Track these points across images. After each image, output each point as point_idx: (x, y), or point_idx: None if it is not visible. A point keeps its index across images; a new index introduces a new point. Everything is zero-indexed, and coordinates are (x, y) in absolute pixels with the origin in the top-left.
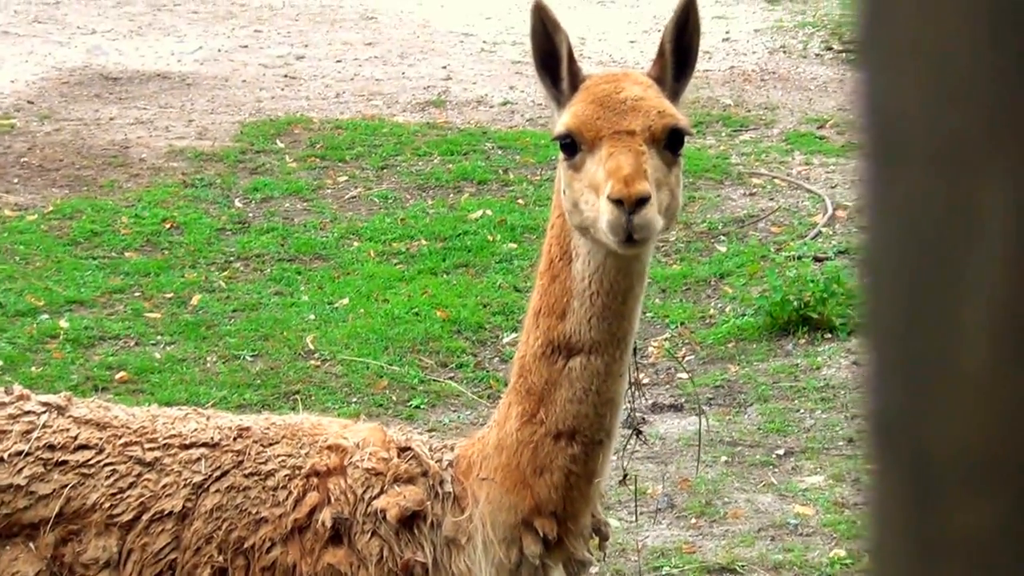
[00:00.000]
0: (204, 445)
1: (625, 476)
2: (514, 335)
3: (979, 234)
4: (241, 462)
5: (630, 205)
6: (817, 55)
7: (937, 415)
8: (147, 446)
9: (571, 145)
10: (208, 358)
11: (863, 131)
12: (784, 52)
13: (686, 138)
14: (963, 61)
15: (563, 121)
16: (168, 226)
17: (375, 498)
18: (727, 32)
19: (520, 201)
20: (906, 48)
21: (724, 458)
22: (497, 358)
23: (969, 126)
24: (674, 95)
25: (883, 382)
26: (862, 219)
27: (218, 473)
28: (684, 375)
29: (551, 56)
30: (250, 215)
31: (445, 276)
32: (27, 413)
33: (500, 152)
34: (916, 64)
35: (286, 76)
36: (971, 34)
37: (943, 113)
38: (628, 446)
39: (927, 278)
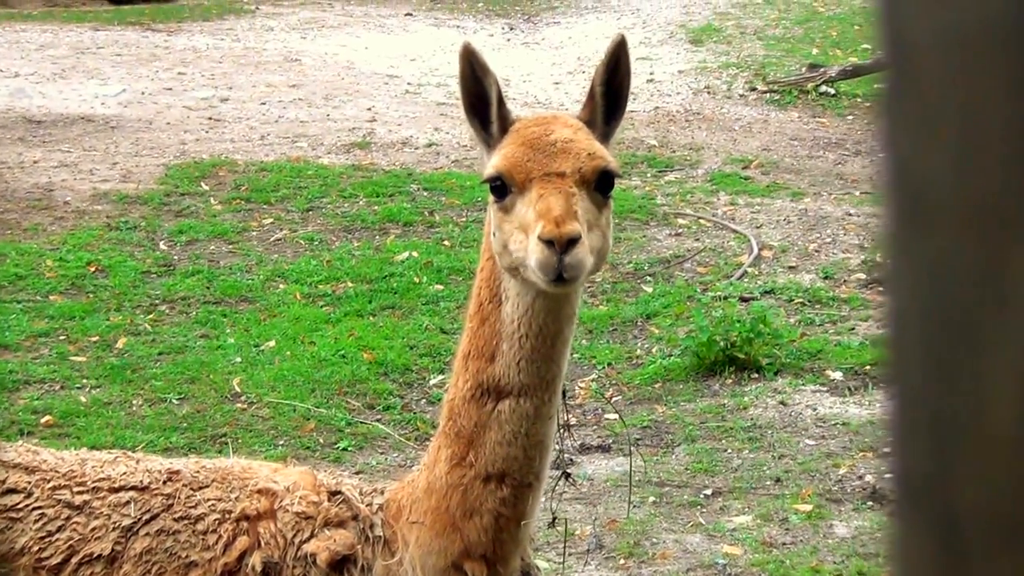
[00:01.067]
0: (134, 488)
1: (555, 519)
2: (441, 377)
3: (1008, 297)
4: (171, 505)
5: (561, 245)
6: (741, 95)
7: (963, 476)
8: (76, 489)
9: (501, 187)
10: (134, 401)
11: (888, 191)
12: (708, 93)
13: (616, 180)
14: (994, 121)
15: (493, 163)
16: (93, 269)
17: (305, 542)
18: (651, 73)
19: (446, 243)
20: (935, 107)
21: (652, 498)
22: (424, 400)
23: (1000, 188)
24: (604, 137)
25: (909, 442)
26: (887, 280)
27: (148, 516)
28: (612, 416)
29: (480, 99)
30: (175, 258)
31: (371, 318)
32: None
33: (426, 194)
34: (945, 124)
35: (210, 118)
36: (1003, 93)
37: (973, 174)
38: (556, 488)
39: (953, 340)
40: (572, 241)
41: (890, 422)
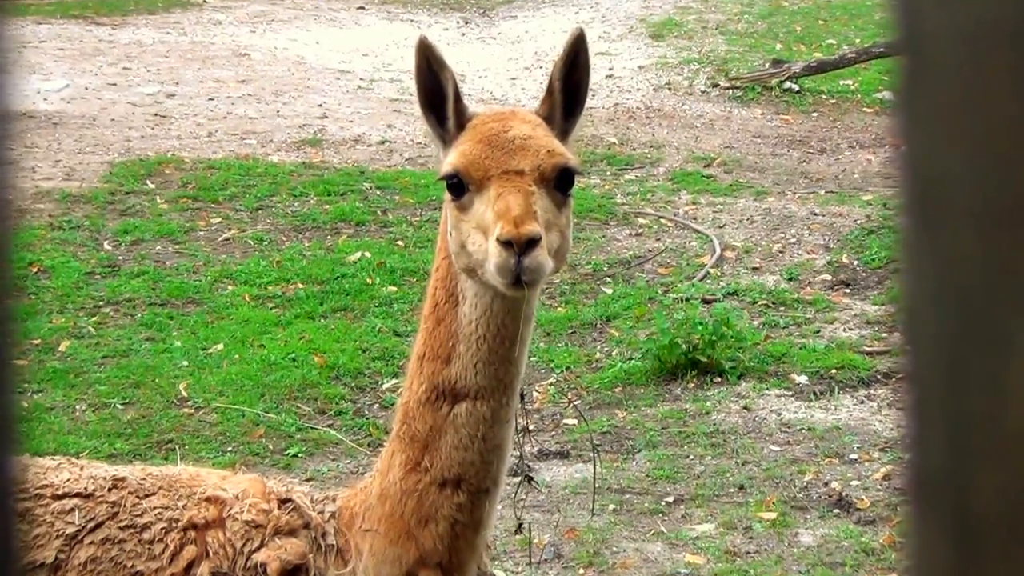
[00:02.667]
0: (78, 496)
1: (520, 525)
2: (394, 381)
3: None
4: (116, 514)
5: (520, 247)
6: (703, 92)
7: (980, 474)
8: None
9: (458, 185)
10: (77, 407)
11: (903, 189)
12: (669, 89)
13: (576, 178)
14: (1012, 116)
15: (450, 161)
16: (35, 270)
17: (255, 551)
18: (611, 69)
19: (400, 243)
20: (951, 103)
21: (612, 506)
22: (377, 405)
23: (1018, 185)
24: (564, 134)
25: (925, 441)
26: (903, 278)
27: (92, 525)
28: (570, 421)
29: (436, 95)
30: (120, 258)
31: (323, 320)
32: None
33: (379, 192)
34: (961, 120)
35: (156, 115)
36: (1021, 88)
37: (990, 169)
38: (517, 494)
39: (970, 339)
40: (531, 242)
41: (905, 418)
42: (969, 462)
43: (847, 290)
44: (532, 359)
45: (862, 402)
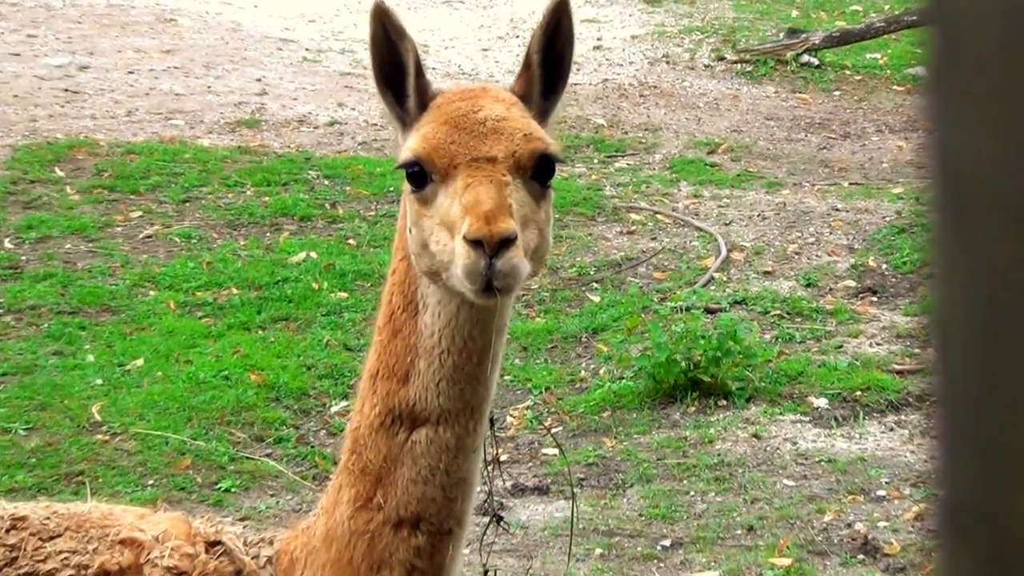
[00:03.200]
0: None
1: (487, 573)
2: (344, 403)
3: None
4: (15, 559)
5: (491, 247)
6: (707, 66)
7: (1016, 504)
8: None
9: (419, 174)
10: None
11: (933, 186)
12: (667, 62)
13: (557, 166)
14: None
15: (410, 146)
16: None
17: None
18: (599, 39)
19: (351, 241)
20: (986, 84)
21: (599, 550)
22: (324, 431)
23: None
24: (543, 115)
25: (956, 463)
26: (932, 285)
27: None
28: (551, 451)
29: (395, 68)
30: (23, 258)
31: (260, 332)
32: None
33: (327, 182)
34: (996, 110)
35: (67, 90)
36: None
37: None
38: (485, 536)
39: (1006, 350)
40: (505, 242)
41: (936, 445)
42: (1004, 491)
43: (874, 299)
44: (506, 378)
45: (891, 429)
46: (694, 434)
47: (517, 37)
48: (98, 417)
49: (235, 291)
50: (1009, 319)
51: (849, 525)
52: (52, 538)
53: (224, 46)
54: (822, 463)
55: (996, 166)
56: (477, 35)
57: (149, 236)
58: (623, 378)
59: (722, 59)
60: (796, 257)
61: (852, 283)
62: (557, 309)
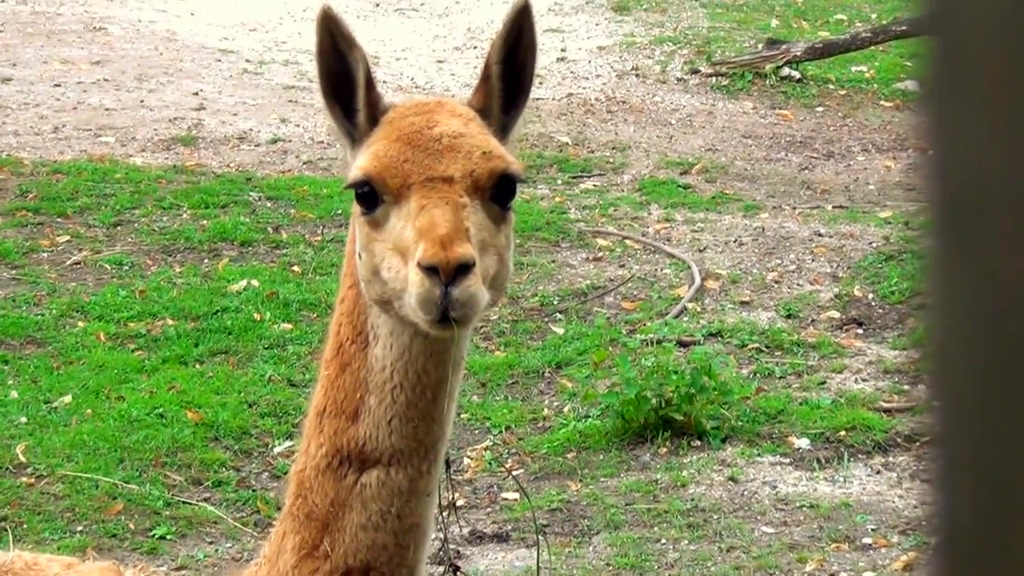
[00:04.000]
0: None
1: None
2: (289, 443)
3: None
4: None
5: (447, 274)
6: (679, 79)
7: (1016, 525)
8: None
9: (370, 195)
10: None
11: (932, 201)
12: (637, 75)
13: (518, 187)
14: None
15: (360, 164)
16: None
17: None
18: (563, 50)
19: (295, 268)
20: (990, 96)
21: None
22: (266, 473)
23: None
24: (503, 131)
25: (954, 491)
26: (930, 312)
27: None
28: (511, 495)
29: (343, 80)
30: None
31: (198, 366)
32: None
33: (269, 204)
34: (1002, 116)
35: None
36: None
37: None
38: None
39: (1007, 373)
40: (462, 268)
41: (931, 489)
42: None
43: (860, 331)
44: (463, 416)
45: (878, 472)
46: (666, 477)
47: (475, 48)
48: (22, 458)
49: (170, 322)
50: (1007, 333)
51: (832, 575)
52: None
53: (158, 57)
54: (804, 508)
55: (1001, 182)
56: (432, 46)
57: (77, 262)
58: (589, 416)
59: (696, 72)
60: (776, 286)
61: (836, 314)
62: (518, 342)
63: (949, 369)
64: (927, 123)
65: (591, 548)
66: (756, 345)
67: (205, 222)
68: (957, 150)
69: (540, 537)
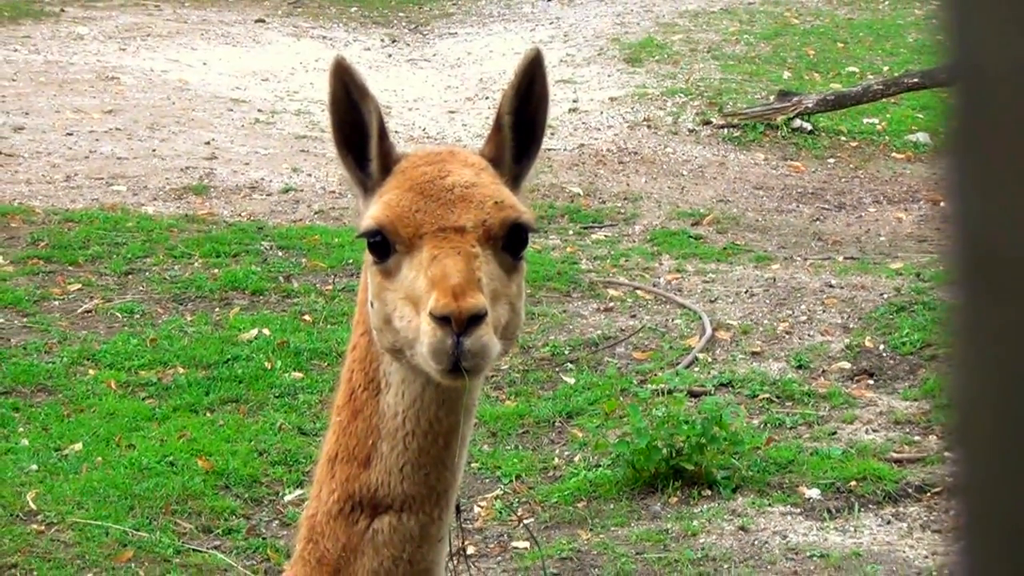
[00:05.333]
0: None
1: None
2: (299, 492)
3: None
4: None
5: (460, 324)
6: (691, 131)
7: None
8: None
9: (382, 244)
10: None
11: (955, 255)
12: (649, 127)
13: (530, 236)
14: None
15: (372, 213)
16: None
17: None
18: (575, 100)
19: (307, 317)
20: (1017, 148)
21: None
22: (276, 521)
23: None
24: (515, 181)
25: (978, 547)
26: (952, 366)
27: None
28: (522, 544)
29: (356, 130)
30: None
31: (209, 414)
32: None
33: (280, 254)
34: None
35: (0, 153)
36: None
37: None
38: None
39: None
40: (474, 319)
41: (956, 520)
42: None
43: (871, 382)
44: (473, 465)
45: (888, 523)
46: (676, 526)
47: (487, 99)
48: (33, 505)
49: (181, 370)
50: None
51: None
52: None
53: (170, 106)
54: (814, 559)
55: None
56: (444, 96)
57: (88, 311)
58: (600, 466)
59: (708, 123)
60: (787, 337)
61: (847, 365)
62: (529, 391)
63: (972, 422)
64: (949, 174)
65: None
66: (767, 395)
67: (216, 271)
68: (980, 202)
69: None
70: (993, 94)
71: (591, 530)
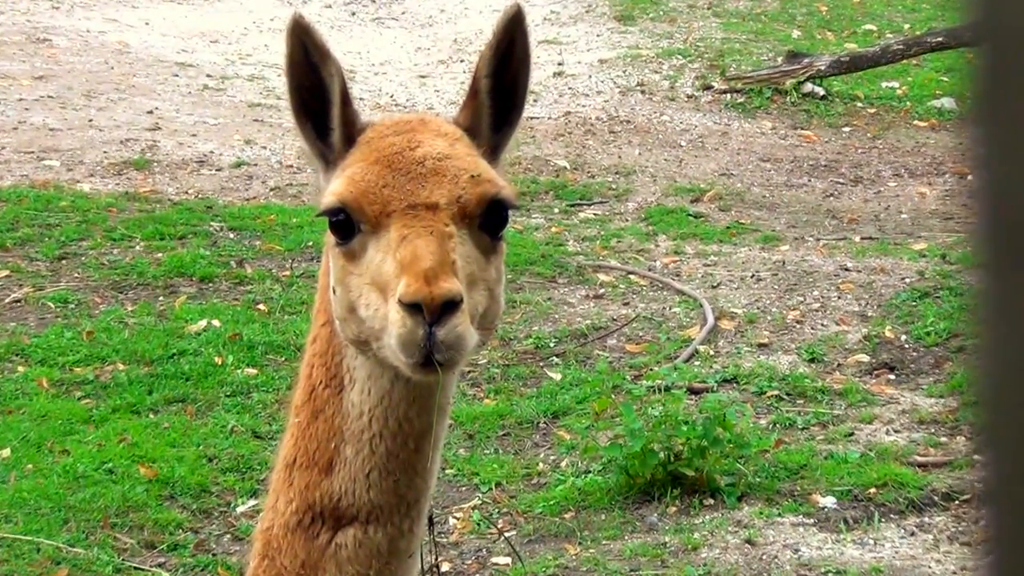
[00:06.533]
0: None
1: None
2: (254, 502)
3: None
4: None
5: (432, 312)
6: (690, 96)
7: None
8: None
9: (345, 223)
10: None
11: (982, 232)
12: (643, 92)
13: (510, 214)
14: None
15: (334, 189)
16: None
17: None
18: (560, 63)
19: (261, 307)
20: None
21: None
22: (228, 535)
23: None
24: (493, 152)
25: (1011, 560)
26: (980, 357)
27: None
28: (502, 559)
29: (316, 96)
30: None
31: (152, 416)
32: None
33: (232, 236)
34: None
35: None
36: None
37: None
38: None
39: None
40: (448, 305)
41: (988, 534)
42: None
43: (891, 376)
44: (447, 471)
45: (912, 534)
46: (675, 539)
47: (461, 62)
48: None
49: (121, 367)
50: None
51: None
52: None
53: (108, 71)
54: (829, 575)
55: None
56: (413, 59)
57: (17, 300)
58: (589, 472)
59: (708, 88)
60: (797, 326)
61: (865, 358)
62: (510, 389)
63: (1004, 420)
64: (976, 144)
65: None
66: (775, 392)
67: (160, 255)
68: (1011, 174)
69: None
70: (1022, 54)
71: (580, 544)
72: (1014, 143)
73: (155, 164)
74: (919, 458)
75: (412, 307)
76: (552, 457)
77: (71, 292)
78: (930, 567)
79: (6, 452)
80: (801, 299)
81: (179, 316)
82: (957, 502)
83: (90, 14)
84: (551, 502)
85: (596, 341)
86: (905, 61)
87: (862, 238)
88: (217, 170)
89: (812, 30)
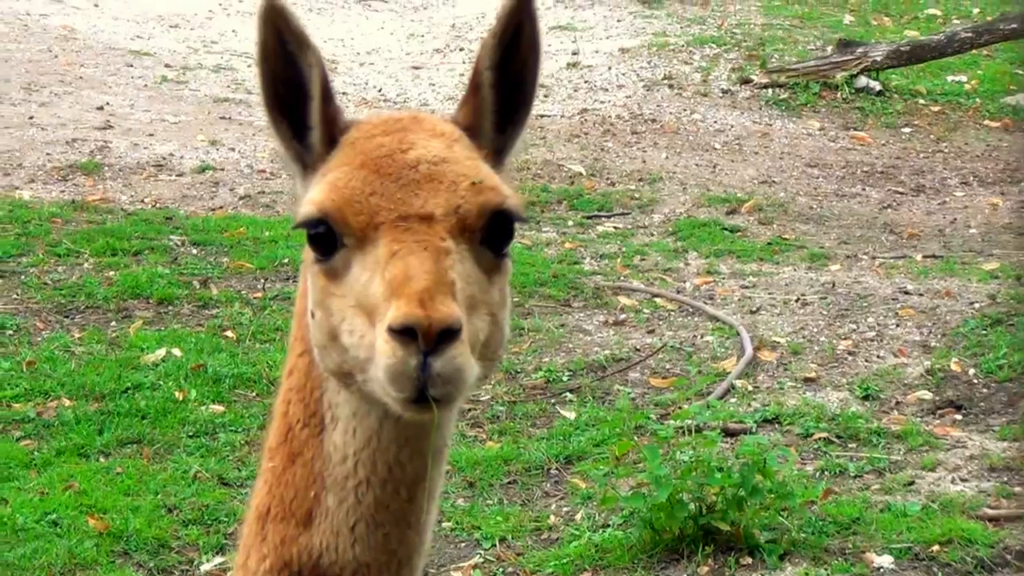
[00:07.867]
0: None
1: None
2: (220, 559)
3: None
4: None
5: (427, 340)
6: (725, 92)
7: None
8: None
9: (326, 237)
10: None
11: None
12: (670, 86)
13: (517, 227)
14: None
15: (313, 197)
16: None
17: None
18: (575, 53)
19: (229, 334)
20: None
21: None
22: None
23: None
24: (497, 156)
25: None
26: None
27: None
28: None
29: (292, 90)
30: None
31: (103, 460)
32: None
33: (195, 251)
34: None
35: None
36: None
37: None
38: None
39: None
40: (446, 333)
41: None
42: None
43: (958, 416)
44: (445, 524)
45: None
46: None
47: (461, 50)
48: None
49: (67, 403)
50: None
51: None
52: None
53: (52, 61)
54: None
55: None
56: (405, 47)
57: None
58: (608, 526)
59: (747, 82)
60: (849, 358)
61: (927, 395)
62: (516, 429)
63: None
64: None
65: None
66: (824, 434)
67: (112, 274)
68: None
69: None
70: None
71: None
72: None
73: (106, 168)
74: (989, 511)
75: (404, 333)
76: (565, 508)
77: (9, 316)
78: None
79: None
80: (854, 327)
81: (134, 344)
82: None
83: None
84: (564, 560)
85: (616, 375)
86: (975, 51)
87: (924, 256)
88: (178, 175)
89: (867, 15)
